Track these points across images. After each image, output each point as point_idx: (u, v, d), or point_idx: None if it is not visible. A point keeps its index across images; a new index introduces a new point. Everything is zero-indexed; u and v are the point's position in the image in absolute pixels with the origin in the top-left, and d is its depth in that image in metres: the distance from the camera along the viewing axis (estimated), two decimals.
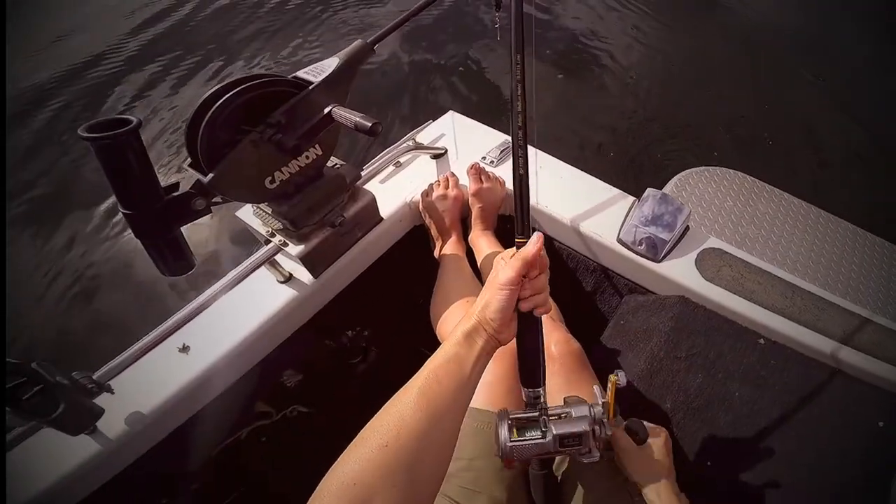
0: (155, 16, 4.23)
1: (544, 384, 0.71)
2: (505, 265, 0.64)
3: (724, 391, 1.06)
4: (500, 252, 1.23)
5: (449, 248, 1.28)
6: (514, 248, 0.66)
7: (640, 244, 1.15)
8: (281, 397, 1.34)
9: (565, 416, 0.68)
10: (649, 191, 1.20)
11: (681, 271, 1.15)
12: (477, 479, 0.82)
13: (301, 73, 0.93)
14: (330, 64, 0.93)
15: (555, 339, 1.02)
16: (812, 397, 1.04)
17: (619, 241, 1.18)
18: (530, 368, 0.69)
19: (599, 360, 1.04)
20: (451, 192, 1.27)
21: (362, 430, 0.56)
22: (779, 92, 3.18)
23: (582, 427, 0.65)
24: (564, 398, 0.73)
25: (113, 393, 0.92)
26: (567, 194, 1.28)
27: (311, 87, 0.88)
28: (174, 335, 1.03)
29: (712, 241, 1.19)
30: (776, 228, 1.66)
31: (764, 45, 3.54)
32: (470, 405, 0.63)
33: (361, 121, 0.82)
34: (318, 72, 0.92)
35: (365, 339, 1.50)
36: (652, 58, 3.49)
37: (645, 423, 0.79)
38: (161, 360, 1.01)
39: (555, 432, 0.65)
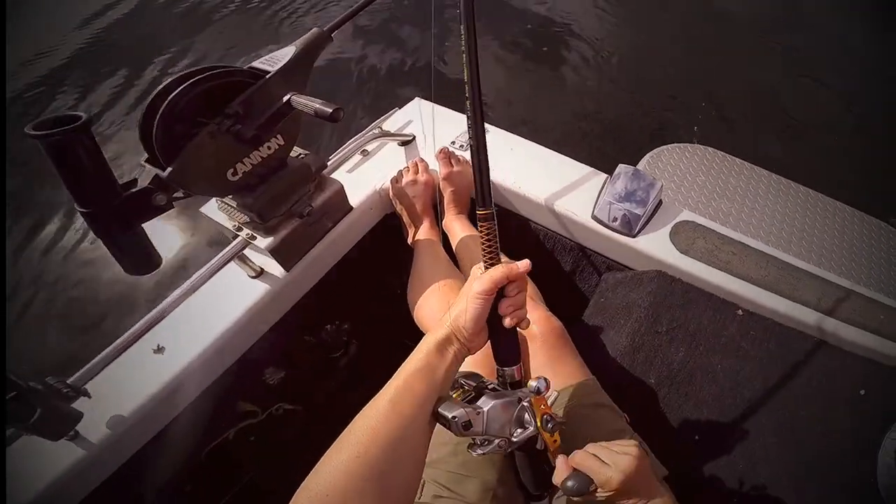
0: (105, 8, 4.12)
1: (518, 364, 0.70)
2: (480, 277, 0.64)
3: (706, 364, 1.06)
4: (474, 234, 1.22)
5: (422, 233, 1.26)
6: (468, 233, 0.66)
7: (615, 220, 1.14)
8: (265, 396, 1.31)
9: (481, 398, 0.66)
10: (621, 167, 1.19)
11: (656, 245, 1.14)
12: (465, 462, 0.81)
13: (257, 64, 0.90)
14: (286, 53, 0.90)
15: (535, 317, 1.00)
16: (793, 367, 1.05)
17: (594, 217, 1.17)
18: (500, 343, 0.69)
19: (582, 340, 1.03)
20: (421, 178, 1.25)
21: (336, 441, 0.57)
22: (749, 66, 3.22)
23: (453, 412, 0.60)
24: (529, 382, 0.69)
25: (90, 397, 0.90)
26: (540, 174, 1.27)
27: (267, 77, 0.85)
28: (147, 336, 1.02)
29: (685, 214, 1.19)
30: (748, 201, 1.67)
31: (734, 18, 3.58)
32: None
33: (322, 107, 0.79)
34: (274, 61, 0.89)
35: (345, 332, 1.48)
36: (621, 34, 3.51)
37: (605, 456, 0.63)
38: (136, 362, 0.99)
39: (436, 408, 0.62)
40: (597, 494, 0.61)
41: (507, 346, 0.69)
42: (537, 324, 1.00)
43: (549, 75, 3.22)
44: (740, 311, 1.11)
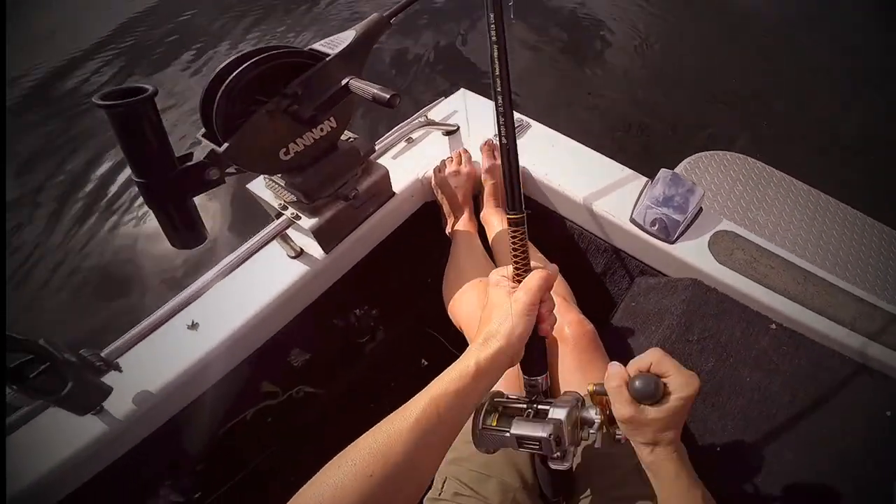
0: None
1: (546, 373, 0.67)
2: (526, 288, 0.60)
3: (735, 376, 1.06)
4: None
5: (461, 225, 1.27)
6: (506, 227, 0.63)
7: (654, 225, 1.14)
8: (287, 377, 1.33)
9: (542, 413, 0.63)
10: (662, 171, 1.19)
11: (693, 254, 1.14)
12: (488, 462, 0.82)
13: (317, 46, 0.91)
14: (346, 37, 0.91)
15: (568, 320, 1.00)
16: (823, 385, 1.04)
17: (632, 221, 1.17)
18: (531, 353, 0.64)
19: (610, 342, 1.04)
20: (464, 169, 1.26)
21: (347, 449, 0.53)
22: (793, 77, 3.15)
23: (541, 433, 0.58)
24: (564, 392, 0.67)
25: (121, 371, 0.91)
26: (580, 173, 1.26)
27: (327, 59, 0.86)
28: (183, 312, 1.03)
29: (725, 223, 1.18)
30: (785, 215, 1.65)
31: (783, 30, 3.50)
32: None
33: (379, 92, 0.80)
34: (334, 44, 0.90)
35: (373, 318, 1.50)
36: (665, 37, 3.46)
37: (671, 372, 0.58)
38: (169, 338, 1.01)
39: (512, 431, 0.60)
40: (668, 401, 0.56)
41: (539, 354, 0.66)
42: (570, 326, 0.99)
43: (590, 74, 3.20)
44: (774, 326, 1.10)
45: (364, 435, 0.54)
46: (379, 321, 1.52)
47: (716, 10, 3.70)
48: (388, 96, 0.79)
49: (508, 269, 0.65)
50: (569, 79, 3.14)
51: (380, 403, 1.40)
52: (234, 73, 0.79)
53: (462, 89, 1.49)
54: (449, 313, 1.15)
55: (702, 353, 1.08)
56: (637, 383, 0.57)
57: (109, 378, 0.89)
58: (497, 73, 0.59)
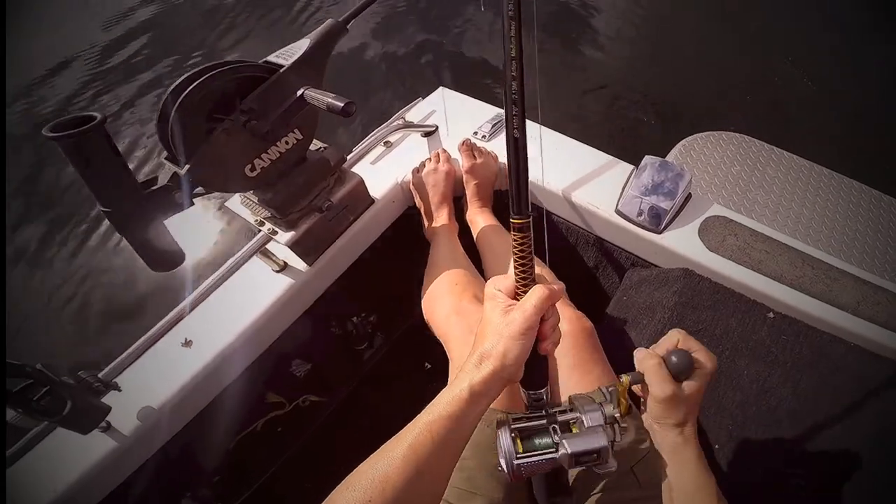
0: (124, 12, 4.19)
1: (548, 383, 0.64)
2: (522, 309, 0.56)
3: (732, 369, 1.02)
4: (496, 226, 1.20)
5: (439, 226, 1.24)
6: (511, 238, 0.58)
7: (641, 215, 1.11)
8: (292, 387, 1.33)
9: (576, 424, 0.60)
10: (647, 158, 1.15)
11: (683, 242, 1.10)
12: (471, 479, 0.79)
13: (272, 57, 0.90)
14: (301, 46, 0.89)
15: (566, 315, 0.96)
16: (825, 373, 1.00)
17: (618, 212, 1.14)
18: (532, 368, 0.59)
19: (603, 338, 1.00)
20: (442, 167, 1.23)
21: (348, 477, 0.53)
22: (785, 52, 3.05)
23: (600, 442, 0.56)
24: (570, 397, 0.63)
25: (120, 390, 0.93)
26: (562, 164, 1.23)
27: (281, 71, 0.85)
28: (174, 329, 1.05)
29: (716, 208, 1.15)
30: (786, 193, 1.60)
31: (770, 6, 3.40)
32: None
33: (333, 101, 0.78)
34: (289, 54, 0.88)
35: (370, 324, 1.49)
36: (647, 18, 3.38)
37: (696, 350, 0.61)
38: (165, 356, 1.02)
39: (569, 451, 0.56)
40: (699, 375, 0.59)
41: (540, 370, 0.62)
42: (568, 323, 0.95)
43: (571, 59, 3.12)
44: (771, 314, 1.06)
45: (366, 460, 0.54)
46: (377, 327, 1.51)
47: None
48: (341, 105, 0.77)
49: (506, 280, 0.61)
50: (550, 67, 3.06)
51: (387, 407, 1.40)
52: (185, 92, 0.77)
53: (441, 88, 1.46)
54: (424, 315, 1.11)
55: None
56: (674, 358, 0.59)
57: (110, 397, 0.91)
58: (512, 55, 0.52)
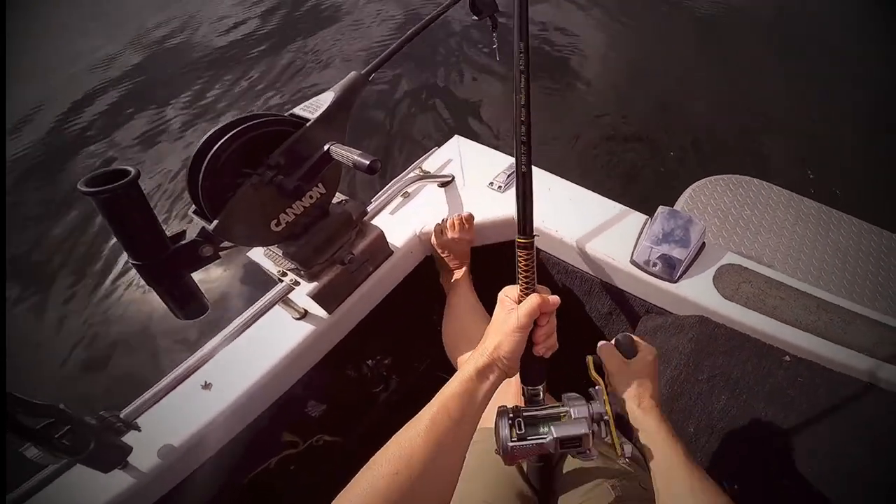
0: (140, 63, 4.34)
1: (544, 381, 0.73)
2: (517, 312, 0.66)
3: (749, 412, 1.03)
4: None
5: (458, 278, 1.28)
6: (517, 255, 0.67)
7: (655, 265, 1.12)
8: (306, 427, 1.34)
9: (565, 416, 0.69)
10: (661, 209, 1.17)
11: (698, 291, 1.12)
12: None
13: (297, 110, 0.93)
14: (325, 99, 0.92)
15: None
16: (843, 414, 1.00)
17: (633, 262, 1.16)
18: (528, 366, 0.71)
19: None
20: (466, 236, 1.26)
21: (372, 458, 0.58)
22: (793, 95, 3.11)
23: (581, 430, 0.66)
24: (563, 395, 0.73)
25: (140, 430, 0.95)
26: (578, 216, 1.26)
27: (307, 125, 0.87)
28: (196, 374, 1.06)
29: (730, 256, 1.16)
30: (797, 236, 1.61)
31: (774, 48, 3.48)
32: None
33: (360, 159, 0.81)
34: (314, 107, 0.91)
35: (386, 367, 1.50)
36: (650, 67, 3.45)
37: (637, 340, 0.80)
38: (185, 398, 1.04)
39: (555, 435, 0.66)
40: (640, 356, 0.77)
41: (537, 368, 0.71)
42: None
43: (576, 109, 3.19)
44: (787, 358, 1.07)
45: (389, 441, 0.60)
46: (392, 370, 1.52)
47: (711, 35, 3.68)
48: (367, 162, 0.80)
49: (514, 289, 0.69)
50: (562, 117, 3.13)
51: None
52: (214, 147, 0.80)
53: (456, 136, 1.50)
54: (452, 361, 1.18)
55: (712, 391, 1.06)
56: (620, 338, 0.79)
57: (130, 437, 0.93)
58: (522, 103, 0.62)
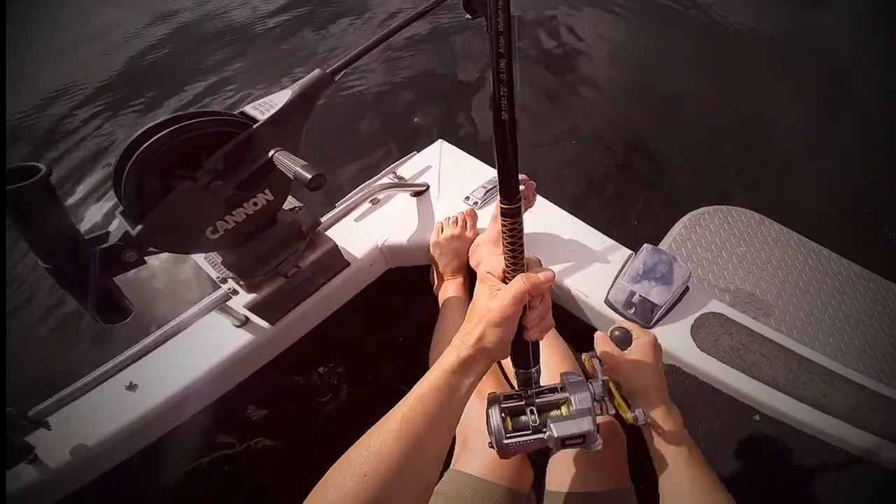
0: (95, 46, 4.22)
1: (538, 363, 0.65)
2: (500, 297, 0.56)
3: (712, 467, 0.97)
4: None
5: (452, 290, 1.18)
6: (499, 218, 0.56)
7: (631, 308, 1.04)
8: (245, 429, 1.28)
9: (564, 404, 0.63)
10: (645, 246, 1.08)
11: (674, 339, 1.04)
12: None
13: (248, 109, 0.83)
14: (282, 97, 0.82)
15: None
16: (814, 480, 0.97)
17: (608, 302, 1.07)
18: (519, 349, 0.62)
19: None
20: (468, 234, 1.17)
21: (342, 456, 0.53)
22: (799, 128, 2.96)
23: (585, 427, 0.59)
24: (561, 375, 0.66)
25: (50, 429, 0.91)
26: (557, 244, 1.17)
27: (253, 127, 0.78)
28: (121, 374, 1.01)
29: (714, 304, 1.09)
30: (791, 278, 1.52)
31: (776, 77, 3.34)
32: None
33: (301, 171, 0.71)
34: (267, 107, 0.81)
35: (337, 376, 1.42)
36: (651, 87, 3.27)
37: (631, 328, 0.76)
38: (106, 398, 0.99)
39: (557, 434, 0.59)
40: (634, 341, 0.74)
41: (530, 351, 0.63)
42: None
43: (569, 129, 2.99)
44: (757, 417, 1.02)
45: (363, 436, 0.54)
46: (343, 380, 1.44)
47: (714, 61, 3.50)
48: (309, 176, 0.70)
49: (498, 264, 0.60)
50: (548, 135, 2.93)
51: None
52: (144, 145, 0.71)
53: (440, 141, 1.41)
54: None
55: None
56: (616, 332, 0.76)
57: (37, 435, 0.91)
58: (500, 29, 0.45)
